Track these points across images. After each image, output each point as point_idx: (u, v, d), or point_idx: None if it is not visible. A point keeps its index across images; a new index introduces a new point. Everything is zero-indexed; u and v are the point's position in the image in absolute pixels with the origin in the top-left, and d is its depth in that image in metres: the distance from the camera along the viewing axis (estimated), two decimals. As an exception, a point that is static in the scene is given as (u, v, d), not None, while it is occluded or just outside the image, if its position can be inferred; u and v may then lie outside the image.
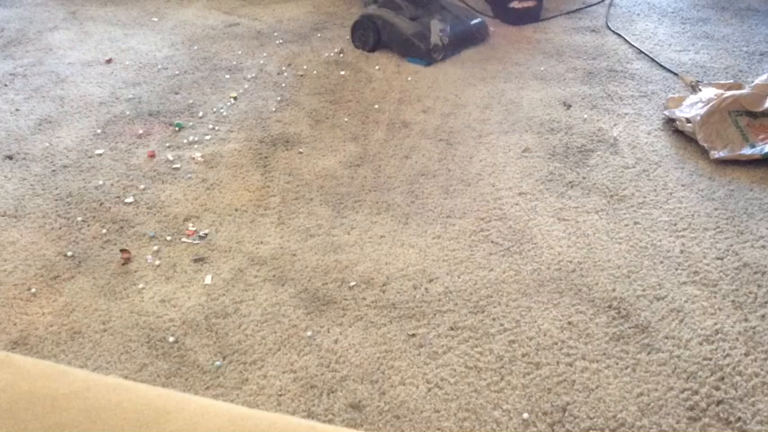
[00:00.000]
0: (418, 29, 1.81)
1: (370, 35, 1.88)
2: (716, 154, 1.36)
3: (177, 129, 1.53)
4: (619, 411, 0.87)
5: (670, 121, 1.49)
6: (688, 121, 1.43)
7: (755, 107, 1.40)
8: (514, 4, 2.07)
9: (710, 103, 1.43)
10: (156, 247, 1.17)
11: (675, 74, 1.67)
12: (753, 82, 1.50)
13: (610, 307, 1.03)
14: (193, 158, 1.42)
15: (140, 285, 1.09)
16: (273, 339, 0.98)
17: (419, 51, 1.80)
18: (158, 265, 1.13)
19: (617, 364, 0.94)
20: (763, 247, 1.15)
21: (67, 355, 0.97)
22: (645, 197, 1.27)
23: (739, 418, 0.86)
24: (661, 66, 1.76)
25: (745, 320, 1.00)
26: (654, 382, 0.91)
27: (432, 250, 1.15)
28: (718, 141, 1.38)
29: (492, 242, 1.17)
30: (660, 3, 2.20)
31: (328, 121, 1.55)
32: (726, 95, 1.43)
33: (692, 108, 1.46)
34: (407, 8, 1.88)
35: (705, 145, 1.38)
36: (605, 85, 1.68)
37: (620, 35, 1.95)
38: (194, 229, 1.21)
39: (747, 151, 1.35)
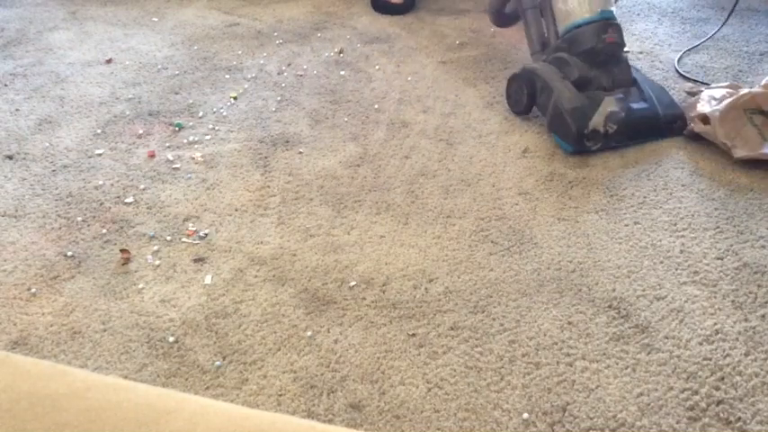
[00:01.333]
0: (579, 103, 1.38)
1: (523, 96, 1.50)
2: (738, 152, 1.33)
3: (177, 129, 1.53)
4: (619, 411, 0.87)
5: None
6: (705, 121, 1.39)
7: None
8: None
9: (726, 100, 1.40)
10: (155, 247, 1.17)
11: (707, 84, 1.61)
12: (758, 82, 1.47)
13: (610, 307, 1.03)
14: (193, 158, 1.42)
15: (140, 285, 1.09)
16: (273, 339, 0.98)
17: (568, 133, 1.37)
18: (158, 265, 1.13)
19: (617, 364, 0.94)
20: (763, 247, 1.15)
21: (67, 355, 0.97)
22: (645, 197, 1.27)
23: (739, 418, 0.86)
24: (685, 76, 1.76)
25: (745, 320, 1.00)
26: (654, 382, 0.91)
27: (432, 250, 1.15)
28: (738, 139, 1.35)
29: (492, 242, 1.17)
30: (660, 3, 2.20)
31: (328, 121, 1.55)
32: (742, 92, 1.40)
33: (706, 106, 1.43)
34: (579, 67, 1.42)
35: (726, 143, 1.35)
36: (605, 85, 1.68)
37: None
38: (194, 229, 1.21)
39: None
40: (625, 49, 1.49)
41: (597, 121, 1.36)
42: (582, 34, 1.43)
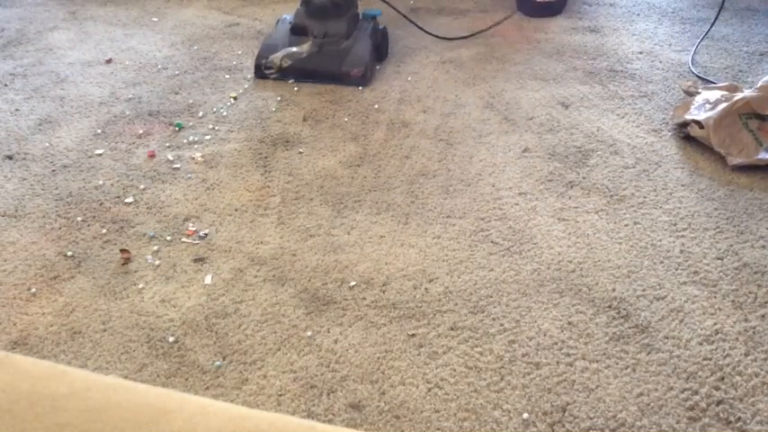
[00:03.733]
0: (272, 41, 1.74)
1: None
2: (733, 160, 1.33)
3: (177, 129, 1.53)
4: (619, 411, 0.87)
5: (680, 127, 1.46)
6: (700, 126, 1.39)
7: (764, 110, 1.38)
8: None
9: (720, 106, 1.40)
10: (155, 247, 1.17)
11: (713, 81, 1.62)
12: (757, 83, 1.47)
13: (610, 307, 1.03)
14: (193, 158, 1.42)
15: (140, 285, 1.09)
16: (273, 339, 0.98)
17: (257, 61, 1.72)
18: (158, 265, 1.13)
19: (617, 364, 0.94)
20: (763, 247, 1.15)
21: (67, 355, 0.97)
22: (645, 197, 1.27)
23: (739, 418, 0.86)
24: (697, 75, 1.76)
25: (745, 320, 1.00)
26: (654, 382, 0.91)
27: (432, 250, 1.15)
28: (733, 146, 1.35)
29: (492, 242, 1.17)
30: (660, 3, 2.20)
31: (328, 121, 1.55)
32: (736, 98, 1.40)
33: (700, 110, 1.43)
34: (299, 15, 1.75)
35: (721, 151, 1.35)
36: (605, 85, 1.68)
37: None
38: (194, 229, 1.21)
39: (765, 156, 1.32)
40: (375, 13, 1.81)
41: (277, 56, 1.69)
42: None
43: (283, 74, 1.69)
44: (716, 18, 1.95)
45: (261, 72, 1.71)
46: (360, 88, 1.67)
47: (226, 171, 1.38)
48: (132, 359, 0.96)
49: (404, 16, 1.96)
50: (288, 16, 1.80)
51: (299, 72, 1.69)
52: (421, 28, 1.96)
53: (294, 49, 1.70)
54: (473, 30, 2.01)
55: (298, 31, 1.74)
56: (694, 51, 1.82)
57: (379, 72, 1.77)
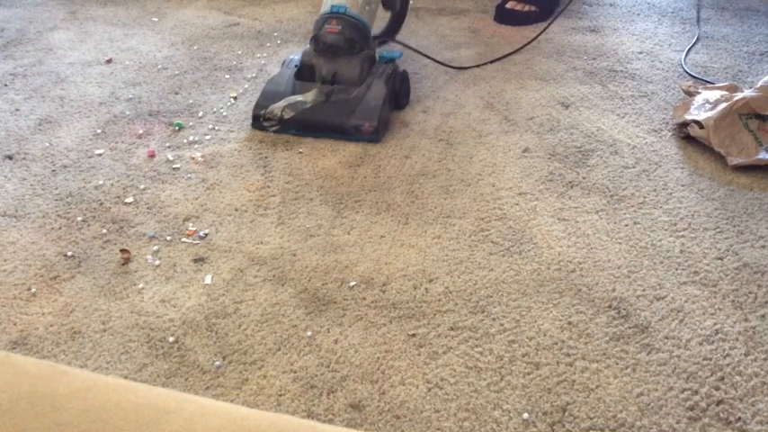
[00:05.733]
0: (274, 87, 1.53)
1: None
2: (733, 160, 1.33)
3: (177, 129, 1.53)
4: (619, 411, 0.87)
5: (680, 127, 1.46)
6: (700, 126, 1.39)
7: (764, 110, 1.38)
8: (511, 5, 2.07)
9: (720, 106, 1.40)
10: (155, 247, 1.17)
11: (711, 82, 1.62)
12: (757, 83, 1.47)
13: (610, 307, 1.03)
14: (193, 158, 1.42)
15: (140, 285, 1.09)
16: (273, 339, 0.98)
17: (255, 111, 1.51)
18: (158, 265, 1.13)
19: (617, 364, 0.94)
20: (763, 247, 1.15)
21: (67, 355, 0.97)
22: (645, 197, 1.27)
23: (739, 418, 0.86)
24: (691, 75, 1.76)
25: (745, 320, 1.00)
26: (654, 382, 0.91)
27: (432, 250, 1.15)
28: (733, 146, 1.35)
29: (492, 242, 1.17)
30: (660, 3, 2.20)
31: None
32: (736, 98, 1.40)
33: (700, 111, 1.43)
34: (306, 53, 1.55)
35: (720, 151, 1.35)
36: (605, 85, 1.68)
37: None
38: (194, 229, 1.21)
39: (765, 156, 1.32)
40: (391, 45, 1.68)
41: (278, 106, 1.48)
42: (314, 23, 1.58)
43: (284, 126, 1.49)
44: (698, 16, 1.97)
45: (259, 123, 1.50)
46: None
47: (226, 171, 1.38)
48: (132, 359, 0.96)
49: (417, 51, 1.80)
50: (296, 56, 1.60)
51: (302, 124, 1.48)
52: (436, 60, 1.80)
53: (298, 97, 1.49)
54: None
55: (304, 75, 1.54)
56: (686, 53, 1.82)
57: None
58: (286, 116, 1.48)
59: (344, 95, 1.49)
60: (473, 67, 1.78)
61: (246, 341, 0.98)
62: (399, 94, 1.58)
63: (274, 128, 1.50)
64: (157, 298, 1.06)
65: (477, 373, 0.93)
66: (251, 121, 1.52)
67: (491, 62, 1.81)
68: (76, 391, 0.46)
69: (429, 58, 1.79)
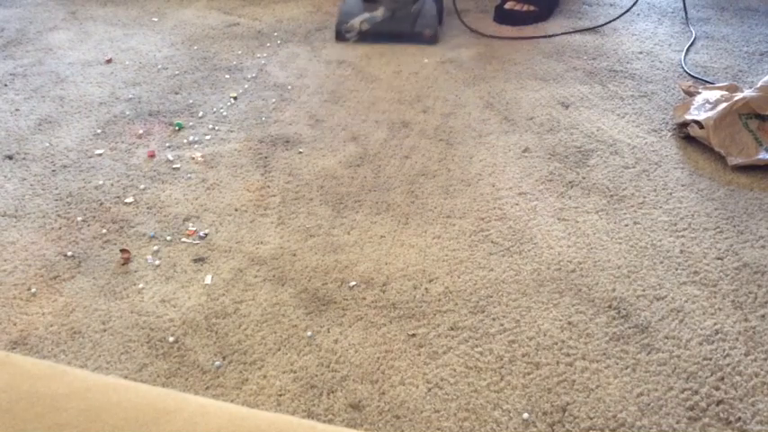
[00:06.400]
0: (349, 7, 1.93)
1: None
2: (733, 160, 1.33)
3: (177, 129, 1.53)
4: (619, 411, 0.87)
5: (680, 127, 1.46)
6: (700, 126, 1.39)
7: (764, 110, 1.38)
8: (509, 5, 2.07)
9: (720, 106, 1.40)
10: (155, 247, 1.17)
11: (711, 82, 1.63)
12: (757, 83, 1.47)
13: (610, 307, 1.03)
14: (193, 158, 1.42)
15: (140, 285, 1.09)
16: (273, 339, 0.98)
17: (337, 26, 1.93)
18: (158, 265, 1.13)
19: (617, 364, 0.94)
20: (763, 247, 1.15)
21: (67, 355, 0.97)
22: (645, 197, 1.27)
23: (739, 418, 0.86)
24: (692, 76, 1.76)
25: (745, 320, 1.00)
26: (654, 382, 0.91)
27: (432, 250, 1.15)
28: (733, 146, 1.35)
29: (492, 242, 1.17)
30: (660, 3, 2.20)
31: (328, 121, 1.55)
32: (736, 98, 1.40)
33: (700, 110, 1.43)
34: None
35: (720, 151, 1.35)
36: (605, 85, 1.68)
37: None
38: (194, 229, 1.21)
39: (765, 156, 1.32)
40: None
41: (356, 20, 1.90)
42: None
43: (362, 37, 1.90)
44: (685, 12, 1.99)
45: (342, 36, 1.91)
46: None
47: (226, 171, 1.38)
48: (132, 359, 0.96)
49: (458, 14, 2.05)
50: None
51: (377, 35, 1.89)
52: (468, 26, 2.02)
53: (370, 14, 1.89)
54: (474, 29, 2.01)
55: None
56: (685, 52, 1.82)
57: (379, 72, 1.77)
58: (363, 28, 1.89)
59: (406, 11, 1.90)
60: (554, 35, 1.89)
61: (246, 341, 0.98)
62: (440, 10, 1.99)
63: (354, 38, 1.91)
64: (157, 298, 1.06)
65: (477, 373, 0.93)
66: (334, 34, 1.92)
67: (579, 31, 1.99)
68: (76, 391, 0.46)
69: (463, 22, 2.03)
